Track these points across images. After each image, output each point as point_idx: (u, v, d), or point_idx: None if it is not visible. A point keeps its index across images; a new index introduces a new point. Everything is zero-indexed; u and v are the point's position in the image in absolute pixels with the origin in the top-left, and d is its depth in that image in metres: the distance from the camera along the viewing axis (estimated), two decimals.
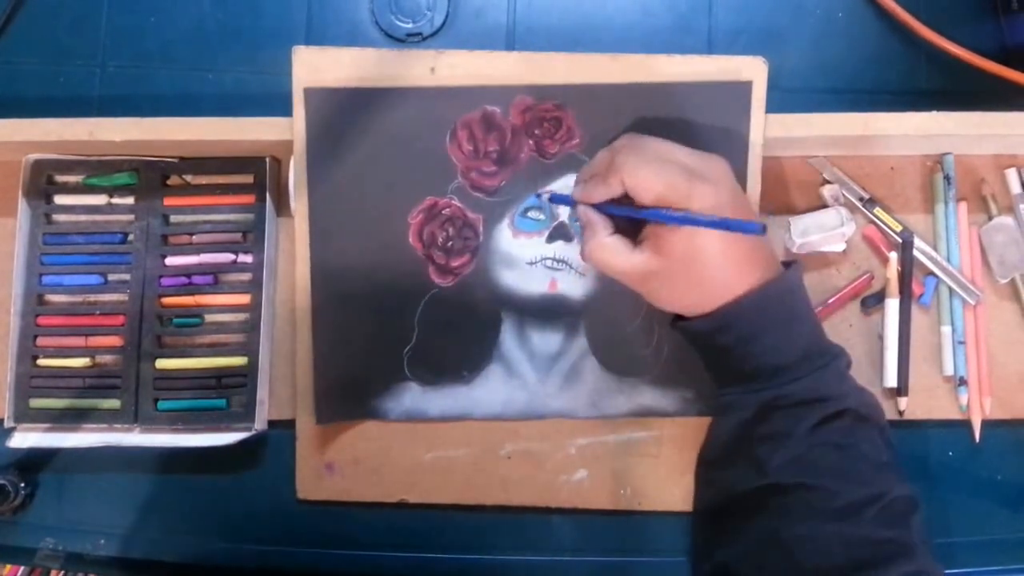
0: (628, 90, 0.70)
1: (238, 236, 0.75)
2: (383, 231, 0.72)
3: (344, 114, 0.71)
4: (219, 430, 0.73)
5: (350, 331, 0.72)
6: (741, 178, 0.69)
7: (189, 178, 0.76)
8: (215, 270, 0.75)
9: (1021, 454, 0.75)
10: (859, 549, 0.55)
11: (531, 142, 0.71)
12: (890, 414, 0.73)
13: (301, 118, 0.71)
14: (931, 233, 0.75)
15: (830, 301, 0.74)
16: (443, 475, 0.74)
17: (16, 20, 0.79)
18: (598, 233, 0.63)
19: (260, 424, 0.74)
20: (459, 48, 0.71)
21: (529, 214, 0.71)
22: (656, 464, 0.74)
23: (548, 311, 0.72)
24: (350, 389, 0.73)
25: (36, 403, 0.74)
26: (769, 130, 0.70)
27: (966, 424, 0.74)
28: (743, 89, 0.69)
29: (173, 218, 0.76)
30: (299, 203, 0.72)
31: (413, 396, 0.73)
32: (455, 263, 0.72)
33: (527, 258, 0.72)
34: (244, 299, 0.75)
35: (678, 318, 0.65)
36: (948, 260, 0.74)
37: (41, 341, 0.75)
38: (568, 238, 0.71)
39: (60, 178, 0.76)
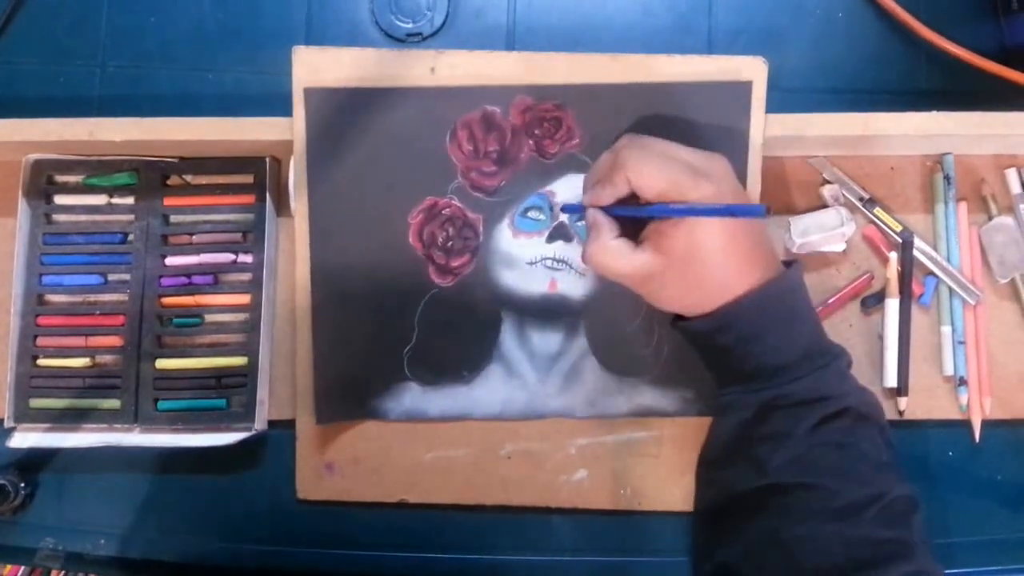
0: (628, 90, 0.70)
1: (238, 236, 0.75)
2: (383, 231, 0.72)
3: (344, 114, 0.71)
4: (219, 430, 0.73)
5: (350, 331, 0.72)
6: (741, 178, 0.69)
7: (189, 178, 0.76)
8: (215, 270, 0.75)
9: (1021, 454, 0.75)
10: (859, 549, 0.55)
11: (531, 142, 0.71)
12: (890, 414, 0.73)
13: (301, 118, 0.71)
14: (931, 233, 0.75)
15: (830, 301, 0.74)
16: (443, 475, 0.74)
17: (16, 20, 0.79)
18: (603, 235, 0.63)
19: (260, 424, 0.74)
20: (459, 48, 0.71)
21: (529, 214, 0.71)
22: (656, 464, 0.74)
23: (548, 311, 0.72)
24: (350, 389, 0.73)
25: (36, 403, 0.74)
26: (769, 130, 0.70)
27: (966, 424, 0.74)
28: (743, 89, 0.69)
29: (173, 218, 0.76)
30: (299, 203, 0.72)
31: (413, 396, 0.73)
32: (455, 263, 0.72)
33: (527, 258, 0.72)
34: (244, 299, 0.75)
35: (678, 318, 0.65)
36: (948, 260, 0.74)
37: (41, 341, 0.75)
38: (568, 238, 0.71)
39: (60, 178, 0.76)
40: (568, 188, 0.71)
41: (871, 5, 0.78)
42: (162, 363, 0.74)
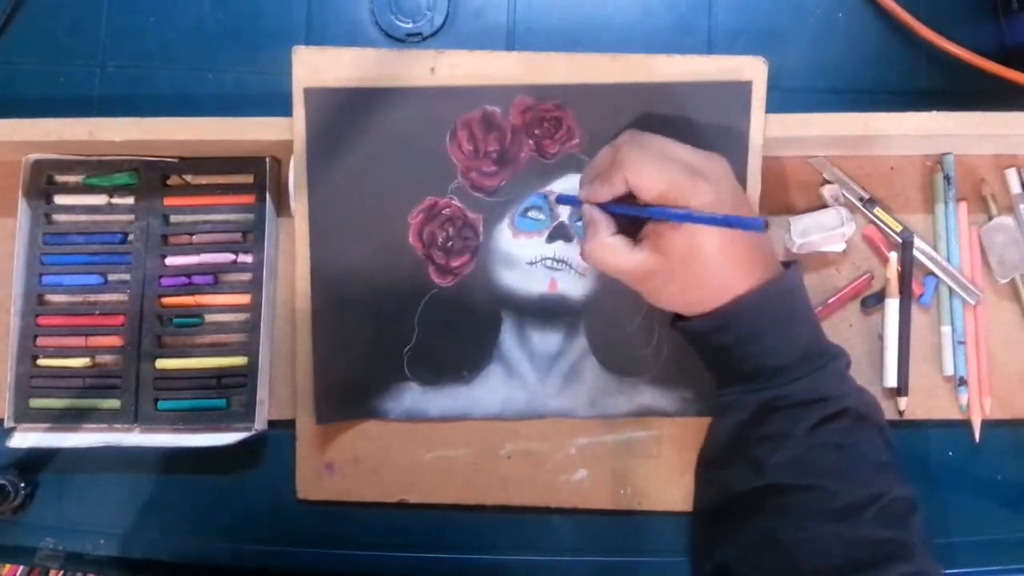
0: (628, 90, 0.70)
1: (238, 236, 0.75)
2: (383, 231, 0.72)
3: (344, 114, 0.71)
4: (219, 430, 0.73)
5: (350, 331, 0.72)
6: (741, 178, 0.69)
7: (189, 178, 0.76)
8: (215, 270, 0.75)
9: (1021, 454, 0.75)
10: (858, 550, 0.55)
11: (531, 142, 0.71)
12: (890, 414, 0.73)
13: (301, 118, 0.71)
14: (931, 233, 0.75)
15: (830, 301, 0.74)
16: (443, 475, 0.74)
17: (16, 20, 0.79)
18: (600, 232, 0.63)
19: (260, 424, 0.74)
20: (459, 48, 0.71)
21: (529, 214, 0.71)
22: (656, 464, 0.74)
23: (548, 311, 0.72)
24: (350, 389, 0.73)
25: (36, 403, 0.74)
26: (769, 130, 0.70)
27: (966, 424, 0.74)
28: (743, 89, 0.69)
29: (173, 218, 0.76)
30: (299, 203, 0.72)
31: (413, 396, 0.73)
32: (455, 263, 0.72)
33: (527, 258, 0.72)
34: (244, 299, 0.75)
35: (678, 318, 0.65)
36: (948, 260, 0.74)
37: (41, 341, 0.75)
38: (568, 238, 0.71)
39: (60, 178, 0.76)
40: (568, 188, 0.71)
41: (871, 5, 0.78)
42: (162, 363, 0.74)
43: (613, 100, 0.70)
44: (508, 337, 0.72)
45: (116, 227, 0.75)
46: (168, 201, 0.75)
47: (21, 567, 0.81)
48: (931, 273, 0.74)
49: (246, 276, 0.75)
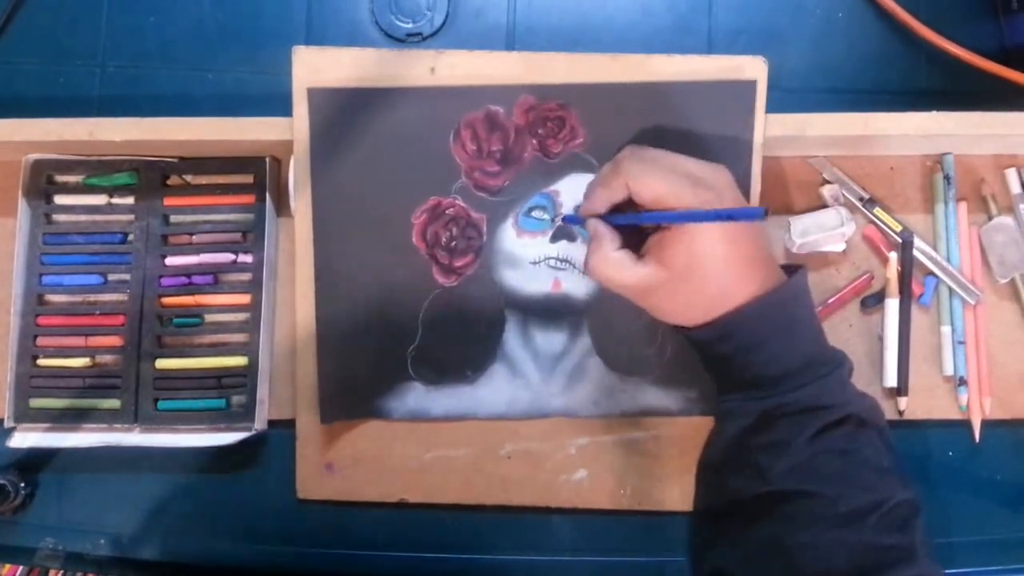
0: (632, 89, 0.70)
1: (238, 236, 0.75)
2: (387, 231, 0.72)
3: (347, 114, 0.71)
4: (219, 430, 0.73)
5: (354, 331, 0.72)
6: (742, 178, 0.69)
7: (189, 178, 0.76)
8: (215, 270, 0.75)
9: (1021, 454, 0.75)
10: (862, 555, 0.55)
11: (535, 142, 0.71)
12: (890, 414, 0.73)
13: (303, 118, 0.71)
14: (931, 233, 0.75)
15: (830, 301, 0.74)
16: (443, 475, 0.74)
17: (16, 20, 0.79)
18: (604, 246, 0.63)
19: (260, 424, 0.74)
20: (459, 48, 0.71)
21: (533, 214, 0.71)
22: (656, 464, 0.74)
23: (552, 311, 0.72)
24: (354, 389, 0.73)
25: (36, 403, 0.74)
26: (769, 130, 0.70)
27: (966, 424, 0.74)
28: (748, 88, 0.69)
29: (173, 218, 0.76)
30: (300, 203, 0.72)
31: (417, 396, 0.73)
32: (459, 263, 0.72)
33: (531, 258, 0.72)
34: (244, 299, 0.75)
35: (679, 326, 0.65)
36: (948, 260, 0.74)
37: (41, 341, 0.75)
38: (572, 238, 0.71)
39: (60, 178, 0.76)
40: (572, 188, 0.71)
41: (871, 5, 0.78)
42: (162, 363, 0.74)
43: (616, 100, 0.70)
44: (512, 337, 0.72)
45: (116, 227, 0.75)
46: (168, 201, 0.75)
47: (21, 567, 0.80)
48: (931, 273, 0.74)
49: (246, 276, 0.75)
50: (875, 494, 0.57)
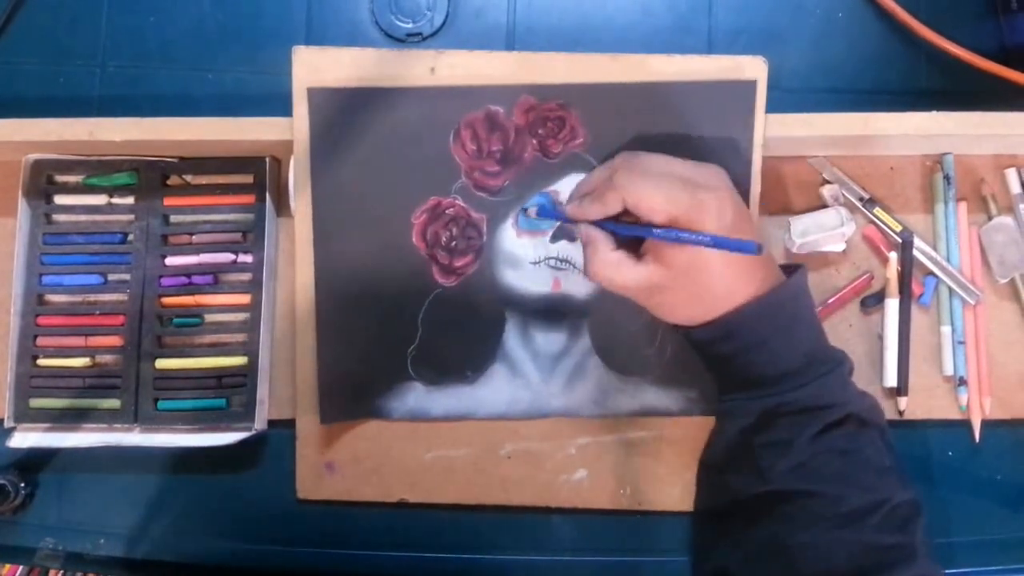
0: (633, 89, 0.70)
1: (238, 236, 0.75)
2: (386, 231, 0.72)
3: (347, 114, 0.71)
4: (219, 430, 0.73)
5: (354, 331, 0.72)
6: (742, 178, 0.69)
7: (189, 178, 0.76)
8: (215, 270, 0.75)
9: (1021, 454, 0.75)
10: (862, 555, 0.55)
11: (535, 142, 0.71)
12: (890, 414, 0.73)
13: (303, 118, 0.71)
14: (931, 233, 0.75)
15: (830, 301, 0.74)
16: (443, 475, 0.74)
17: (16, 20, 0.79)
18: (600, 249, 0.63)
19: (260, 424, 0.74)
20: (459, 48, 0.71)
21: (529, 213, 0.71)
22: (656, 464, 0.74)
23: (552, 311, 0.72)
24: (354, 389, 0.73)
25: (36, 403, 0.74)
26: (769, 130, 0.70)
27: (966, 424, 0.74)
28: (748, 88, 0.69)
29: (173, 218, 0.76)
30: (300, 203, 0.72)
31: (417, 396, 0.73)
32: (459, 263, 0.72)
33: (531, 258, 0.72)
34: (244, 299, 0.75)
35: (680, 325, 0.65)
36: (948, 260, 0.74)
37: (41, 341, 0.75)
38: (572, 238, 0.71)
39: (60, 178, 0.76)
40: (572, 187, 0.70)
41: (871, 5, 0.78)
42: (162, 363, 0.74)
43: (616, 100, 0.70)
44: (512, 337, 0.72)
45: (116, 227, 0.75)
46: (168, 201, 0.75)
47: (21, 567, 0.81)
48: (931, 273, 0.74)
49: (246, 276, 0.75)
50: (876, 494, 0.57)
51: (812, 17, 0.78)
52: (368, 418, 0.73)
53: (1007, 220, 0.74)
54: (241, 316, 0.75)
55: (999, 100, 0.73)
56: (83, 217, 0.76)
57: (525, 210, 0.71)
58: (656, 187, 0.60)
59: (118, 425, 0.74)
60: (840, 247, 0.73)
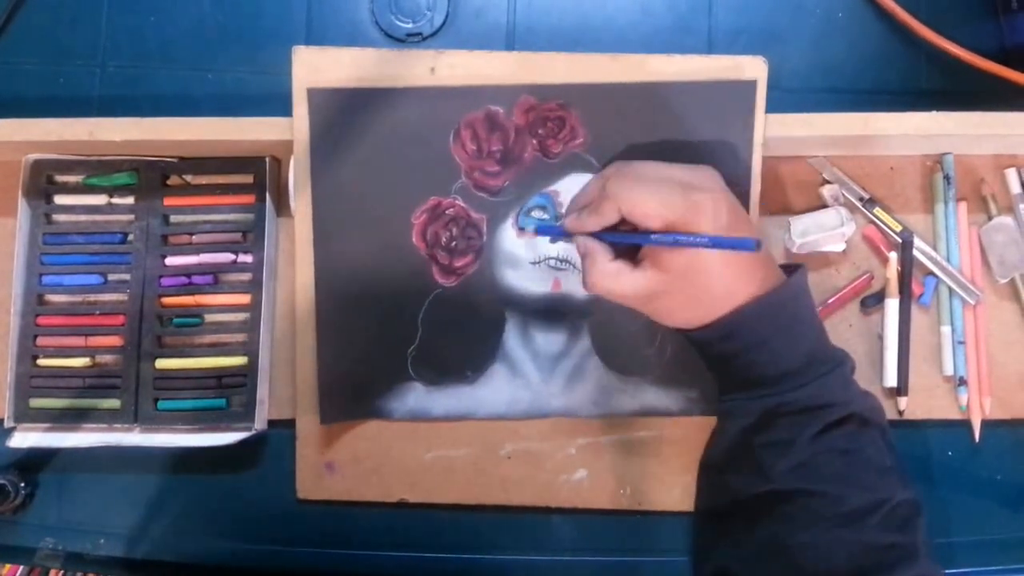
0: (632, 89, 0.70)
1: (238, 236, 0.75)
2: (386, 231, 0.72)
3: (347, 114, 0.71)
4: (219, 430, 0.73)
5: (354, 331, 0.72)
6: (744, 178, 0.69)
7: (189, 178, 0.76)
8: (215, 270, 0.75)
9: (1021, 454, 0.75)
10: (863, 555, 0.55)
11: (535, 142, 0.71)
12: (890, 414, 0.73)
13: (303, 118, 0.71)
14: (931, 233, 0.75)
15: (830, 301, 0.74)
16: (443, 475, 0.74)
17: (16, 20, 0.79)
18: (599, 261, 0.63)
19: (260, 424, 0.74)
20: (459, 48, 0.71)
21: (533, 214, 0.71)
22: (656, 464, 0.74)
23: (552, 311, 0.72)
24: (354, 389, 0.73)
25: (36, 403, 0.74)
26: (769, 130, 0.70)
27: (966, 424, 0.74)
28: (748, 88, 0.69)
29: (173, 218, 0.76)
30: (300, 203, 0.72)
31: (417, 396, 0.73)
32: (459, 263, 0.72)
33: (531, 258, 0.72)
34: (244, 299, 0.75)
35: (680, 328, 0.65)
36: (948, 260, 0.74)
37: (41, 341, 0.75)
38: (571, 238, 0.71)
39: (60, 178, 0.76)
40: (572, 188, 0.70)
41: (871, 5, 0.78)
42: (162, 363, 0.74)
43: (616, 100, 0.70)
44: (512, 337, 0.72)
45: (116, 227, 0.75)
46: (168, 201, 0.75)
47: (21, 567, 0.81)
48: (931, 273, 0.74)
49: (246, 276, 0.75)
50: (876, 494, 0.57)
51: (812, 17, 0.78)
52: (369, 418, 0.73)
53: (1007, 220, 0.74)
54: (241, 316, 0.75)
55: (999, 100, 0.73)
56: (83, 217, 0.76)
57: (528, 212, 0.71)
58: (650, 193, 0.60)
59: (118, 425, 0.74)
60: (840, 247, 0.73)
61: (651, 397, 0.73)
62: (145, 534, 0.76)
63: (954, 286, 0.74)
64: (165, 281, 0.75)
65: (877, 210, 0.74)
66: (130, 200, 0.75)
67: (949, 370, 0.74)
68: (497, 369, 0.73)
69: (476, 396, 0.73)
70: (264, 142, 0.72)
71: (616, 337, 0.72)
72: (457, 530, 0.75)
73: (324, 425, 0.73)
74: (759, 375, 0.60)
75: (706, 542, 0.63)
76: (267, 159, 0.75)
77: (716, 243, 0.58)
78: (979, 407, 0.74)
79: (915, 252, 0.74)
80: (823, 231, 0.72)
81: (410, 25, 0.79)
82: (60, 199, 0.76)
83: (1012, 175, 0.75)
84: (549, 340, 0.72)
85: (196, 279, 0.75)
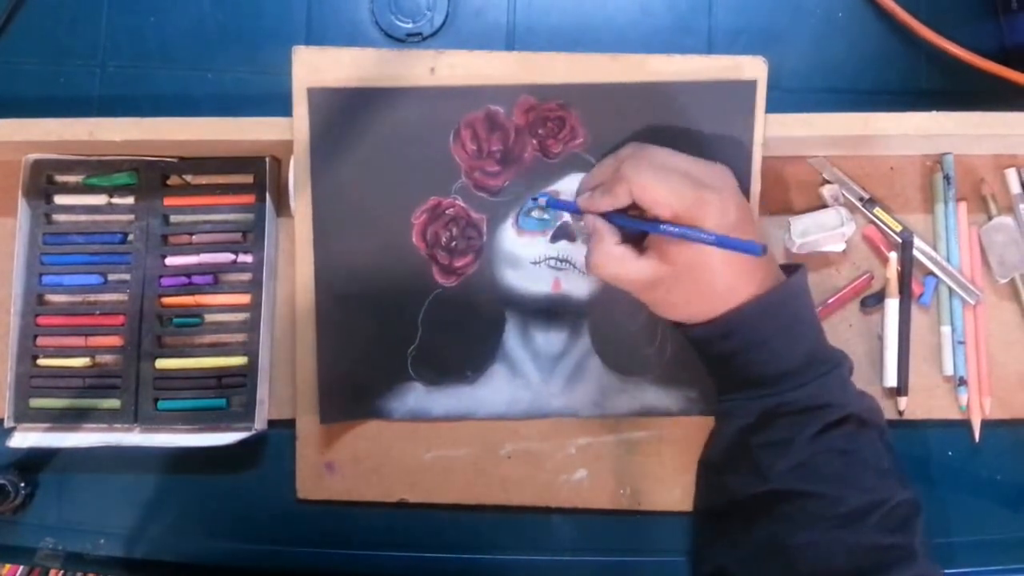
0: (633, 89, 0.70)
1: (238, 236, 0.75)
2: (387, 231, 0.72)
3: (346, 114, 0.71)
4: (219, 430, 0.73)
5: (354, 331, 0.72)
6: (742, 178, 0.69)
7: (189, 178, 0.76)
8: (215, 270, 0.75)
9: (1021, 454, 0.75)
10: (861, 555, 0.55)
11: (535, 142, 0.71)
12: (890, 414, 0.73)
13: (303, 118, 0.71)
14: (931, 233, 0.75)
15: (830, 301, 0.74)
16: (443, 475, 0.74)
17: (16, 20, 0.79)
18: (605, 242, 0.63)
19: (260, 424, 0.74)
20: (459, 48, 0.71)
21: (533, 214, 0.71)
22: (656, 464, 0.74)
23: (552, 311, 0.72)
24: (354, 389, 0.73)
25: (36, 403, 0.74)
26: (769, 130, 0.70)
27: (966, 424, 0.74)
28: (748, 88, 0.69)
29: (173, 218, 0.76)
30: (300, 203, 0.72)
31: (417, 396, 0.73)
32: (459, 263, 0.72)
33: (531, 258, 0.72)
34: (244, 299, 0.75)
35: (680, 323, 0.65)
36: (948, 260, 0.74)
37: (41, 341, 0.75)
38: (572, 238, 0.71)
39: (60, 178, 0.76)
40: (572, 188, 0.70)
41: (871, 5, 0.78)
42: (162, 363, 0.74)
43: (616, 100, 0.70)
44: (512, 337, 0.72)
45: (116, 227, 0.75)
46: (168, 201, 0.75)
47: (21, 567, 0.81)
48: (931, 273, 0.74)
49: (246, 276, 0.75)
50: (875, 494, 0.57)
51: (812, 17, 0.78)
52: (369, 418, 0.73)
53: (1007, 220, 0.74)
54: (241, 316, 0.75)
55: (999, 100, 0.73)
56: (83, 217, 0.76)
57: (529, 212, 0.71)
58: (661, 180, 0.60)
59: (118, 425, 0.74)
60: (840, 247, 0.73)
61: (651, 397, 0.73)
62: (145, 534, 0.76)
63: (954, 286, 0.74)
64: (165, 281, 0.75)
65: (877, 210, 0.74)
66: (130, 200, 0.75)
67: (949, 370, 0.74)
68: (497, 369, 0.73)
69: (476, 396, 0.73)
70: (264, 142, 0.72)
71: (616, 337, 0.72)
72: (457, 530, 0.75)
73: (324, 425, 0.73)
74: (758, 375, 0.61)
75: (704, 542, 0.63)
76: (267, 159, 0.75)
77: (722, 243, 0.58)
78: (979, 407, 0.74)
79: (915, 252, 0.74)
80: (823, 231, 0.72)
81: (410, 25, 0.79)
82: (60, 199, 0.76)
83: (1012, 175, 0.75)
84: (549, 340, 0.72)
85: (196, 279, 0.75)
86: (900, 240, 0.74)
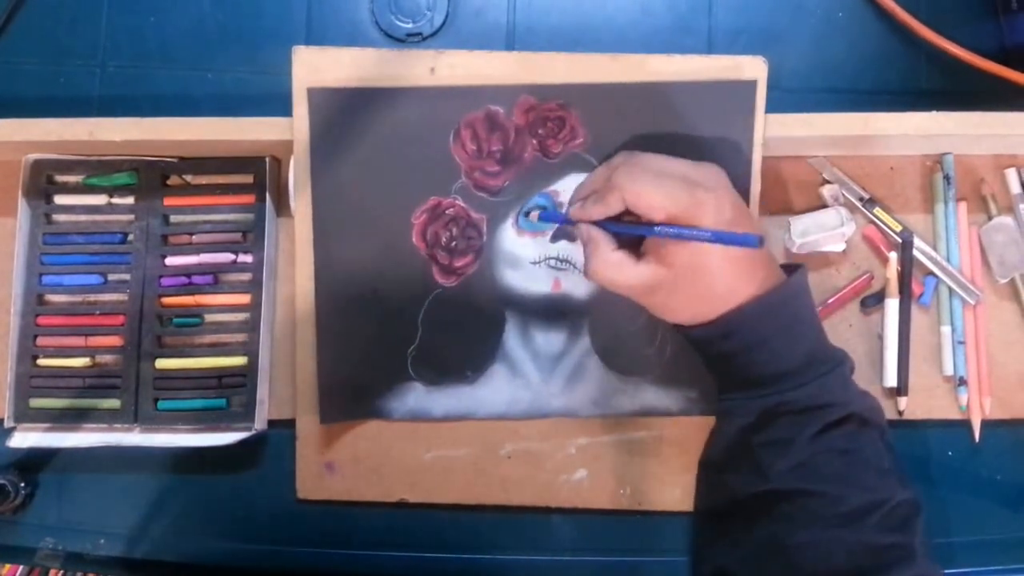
0: (632, 89, 0.70)
1: (238, 236, 0.75)
2: (386, 231, 0.72)
3: (346, 114, 0.71)
4: (219, 430, 0.73)
5: (354, 331, 0.72)
6: (742, 178, 0.69)
7: (189, 178, 0.76)
8: (215, 270, 0.75)
9: (1021, 454, 0.75)
10: (861, 555, 0.55)
11: (535, 142, 0.71)
12: (890, 414, 0.73)
13: (303, 118, 0.71)
14: (931, 233, 0.75)
15: (830, 301, 0.74)
16: (443, 475, 0.74)
17: (16, 20, 0.79)
18: (601, 249, 0.63)
19: (260, 424, 0.74)
20: (459, 48, 0.71)
21: (532, 214, 0.71)
22: (656, 464, 0.74)
23: (552, 311, 0.72)
24: (354, 389, 0.73)
25: (36, 403, 0.74)
26: (769, 130, 0.70)
27: (966, 424, 0.74)
28: (748, 88, 0.69)
29: (173, 218, 0.76)
30: (300, 203, 0.72)
31: (417, 396, 0.73)
32: (459, 263, 0.72)
33: (531, 258, 0.72)
34: (244, 299, 0.75)
35: (680, 325, 0.65)
36: (948, 260, 0.74)
37: (41, 341, 0.75)
38: (572, 238, 0.71)
39: (60, 178, 0.76)
40: (572, 188, 0.70)
41: (871, 5, 0.78)
42: (162, 363, 0.74)
43: (616, 100, 0.70)
44: (512, 337, 0.72)
45: (116, 227, 0.75)
46: (168, 201, 0.75)
47: (21, 567, 0.81)
48: (931, 273, 0.74)
49: (246, 276, 0.75)
50: (875, 494, 0.57)
51: (812, 17, 0.78)
52: (368, 418, 0.73)
53: (1007, 220, 0.74)
54: (241, 316, 0.75)
55: (999, 100, 0.73)
56: (83, 217, 0.76)
57: (527, 213, 0.71)
58: (655, 185, 0.60)
59: (118, 425, 0.74)
60: (840, 247, 0.73)
61: (651, 397, 0.73)
62: (145, 534, 0.76)
63: (954, 286, 0.74)
64: (165, 281, 0.75)
65: (877, 210, 0.74)
66: (130, 200, 0.75)
67: (949, 370, 0.74)
68: (497, 369, 0.73)
69: (476, 396, 0.73)
70: (264, 142, 0.72)
71: (616, 337, 0.72)
72: (457, 530, 0.75)
73: (324, 425, 0.73)
74: (758, 374, 0.60)
75: (705, 542, 0.63)
76: (267, 159, 0.75)
77: (719, 238, 0.58)
78: (979, 407, 0.74)
79: (915, 252, 0.74)
80: (823, 231, 0.72)
81: (410, 25, 0.79)
82: (60, 199, 0.76)
83: (1012, 175, 0.75)
84: (549, 340, 0.72)
85: (196, 279, 0.75)
86: (900, 240, 0.74)
